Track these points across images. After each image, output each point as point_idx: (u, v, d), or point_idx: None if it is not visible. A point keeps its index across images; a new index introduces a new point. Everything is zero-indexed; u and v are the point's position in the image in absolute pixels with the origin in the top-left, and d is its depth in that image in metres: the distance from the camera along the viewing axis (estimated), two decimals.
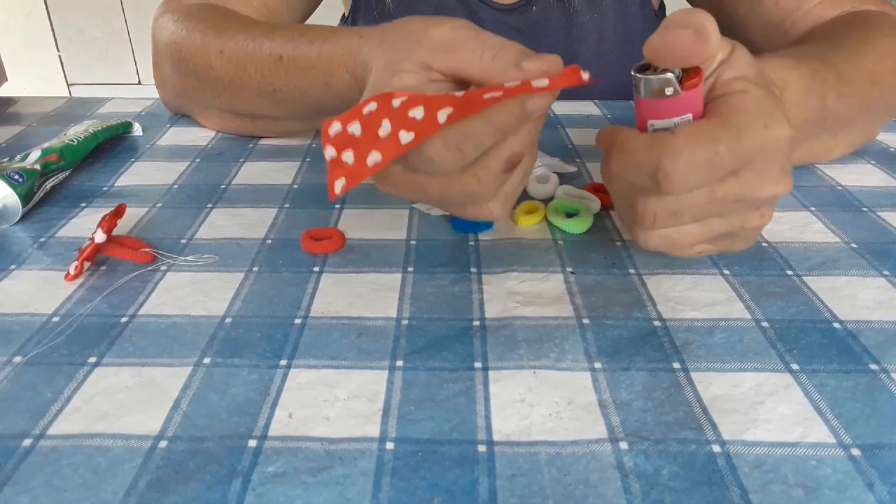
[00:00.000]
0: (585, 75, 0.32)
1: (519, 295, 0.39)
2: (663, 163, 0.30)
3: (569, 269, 0.41)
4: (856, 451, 0.28)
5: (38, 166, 0.49)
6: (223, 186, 0.52)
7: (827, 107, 0.43)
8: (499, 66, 0.34)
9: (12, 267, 0.41)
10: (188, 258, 0.42)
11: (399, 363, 0.33)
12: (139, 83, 2.60)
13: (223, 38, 0.53)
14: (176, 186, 0.52)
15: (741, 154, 0.31)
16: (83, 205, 0.49)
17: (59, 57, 2.57)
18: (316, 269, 0.41)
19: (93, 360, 0.34)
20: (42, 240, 0.45)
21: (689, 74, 0.32)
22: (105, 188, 0.52)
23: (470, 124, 0.31)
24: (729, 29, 0.67)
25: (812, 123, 0.44)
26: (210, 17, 0.56)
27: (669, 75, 0.31)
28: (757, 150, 0.31)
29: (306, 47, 0.46)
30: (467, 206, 0.36)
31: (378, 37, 0.40)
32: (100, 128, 0.58)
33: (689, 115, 0.32)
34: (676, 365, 0.33)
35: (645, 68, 0.32)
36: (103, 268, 0.41)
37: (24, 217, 0.47)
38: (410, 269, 0.41)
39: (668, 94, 0.32)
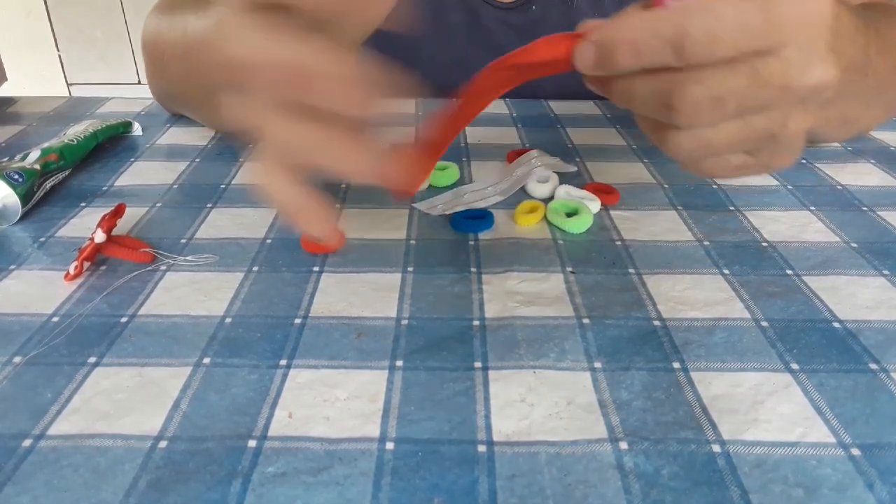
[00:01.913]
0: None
1: (519, 295, 0.39)
2: (688, 24, 0.26)
3: (569, 269, 0.41)
4: (856, 451, 0.28)
5: (37, 166, 0.49)
6: (223, 186, 0.52)
7: (870, 58, 0.39)
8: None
9: (12, 267, 0.41)
10: (188, 258, 0.42)
11: (399, 363, 0.33)
12: (139, 83, 2.60)
13: (165, 18, 0.54)
14: (176, 186, 0.52)
15: (777, 22, 0.27)
16: (83, 205, 0.49)
17: (59, 57, 2.57)
18: (316, 268, 0.41)
19: (93, 360, 0.34)
20: (42, 240, 0.45)
21: None
22: (105, 188, 0.52)
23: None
24: None
25: (857, 70, 0.39)
26: (174, 4, 0.57)
27: None
28: (795, 21, 0.27)
29: (202, 11, 0.44)
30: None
31: None
32: (99, 127, 0.58)
33: None
34: (676, 365, 0.33)
35: None
36: (103, 268, 0.41)
37: (23, 217, 0.47)
38: (410, 268, 0.41)
39: None
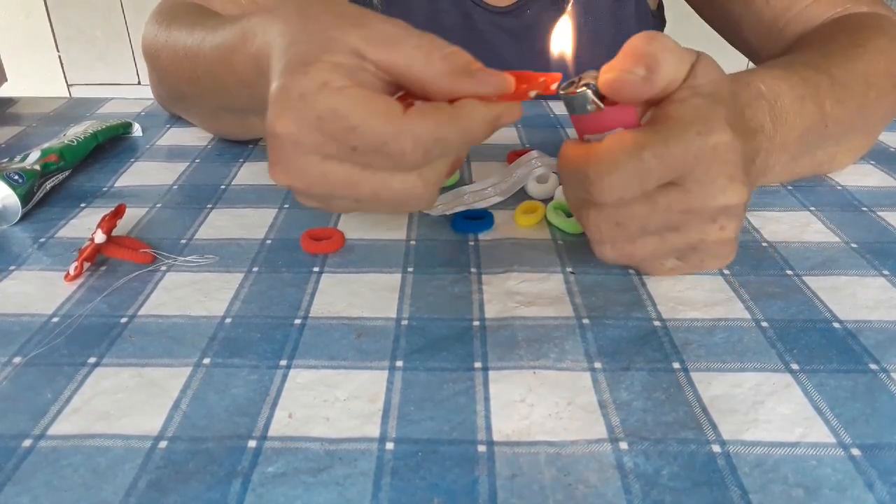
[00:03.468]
0: (555, 85, 0.33)
1: (519, 295, 0.39)
2: (588, 170, 0.30)
3: (569, 269, 0.41)
4: (856, 451, 0.28)
5: (37, 167, 0.49)
6: (223, 186, 0.52)
7: (825, 113, 0.43)
8: (448, 67, 0.30)
9: (12, 267, 0.41)
10: (188, 258, 0.42)
11: (399, 363, 0.33)
12: (139, 83, 2.60)
13: (170, 29, 0.53)
14: (176, 187, 0.52)
15: (671, 161, 0.30)
16: (83, 205, 0.49)
17: (59, 57, 2.57)
18: (316, 269, 0.41)
19: (93, 360, 0.34)
20: (42, 240, 0.45)
21: None
22: (105, 188, 0.52)
23: (444, 130, 0.29)
24: (724, 30, 0.67)
25: (813, 132, 0.43)
26: (174, 12, 0.56)
27: (586, 91, 0.31)
28: (692, 158, 0.30)
29: (223, 28, 0.42)
30: (395, 207, 0.32)
31: (289, 12, 0.35)
32: (99, 128, 0.58)
33: (622, 129, 0.32)
34: (676, 365, 0.33)
35: (570, 84, 0.33)
36: (103, 268, 0.41)
37: (23, 217, 0.47)
38: (410, 269, 0.41)
39: (590, 109, 0.32)
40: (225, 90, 0.43)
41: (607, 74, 0.31)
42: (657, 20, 0.79)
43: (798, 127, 0.40)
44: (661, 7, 0.80)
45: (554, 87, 0.32)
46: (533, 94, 0.33)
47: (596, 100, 0.32)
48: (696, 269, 0.37)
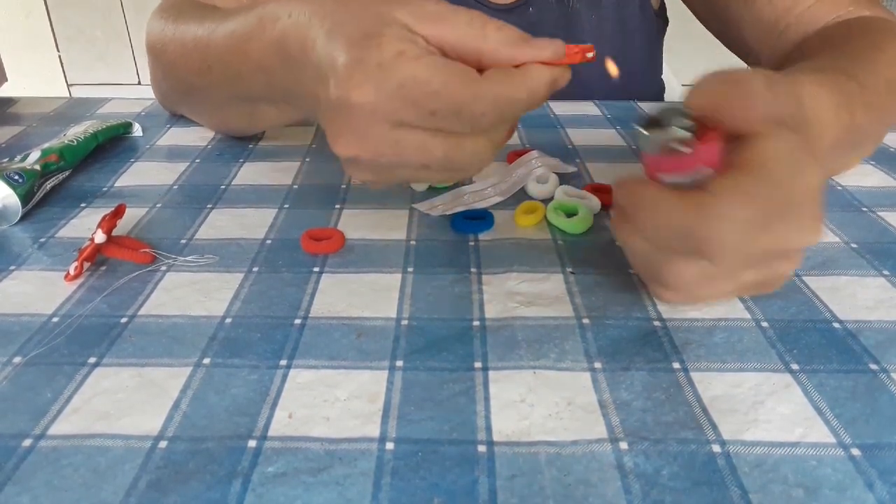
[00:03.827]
0: (591, 54, 0.33)
1: (519, 295, 0.39)
2: (707, 229, 0.28)
3: (569, 269, 0.41)
4: (856, 451, 0.28)
5: (38, 167, 0.49)
6: (223, 186, 0.52)
7: (855, 123, 0.41)
8: (505, 37, 0.32)
9: (12, 267, 0.41)
10: (188, 258, 0.42)
11: (399, 363, 0.33)
12: (139, 83, 2.60)
13: (178, 23, 0.53)
14: (176, 187, 0.52)
15: (776, 209, 0.29)
16: (83, 205, 0.49)
17: (59, 57, 2.57)
18: (316, 269, 0.41)
19: (93, 360, 0.34)
20: (42, 240, 0.45)
21: (704, 127, 0.29)
22: (105, 188, 0.52)
23: (517, 91, 0.31)
24: (721, 31, 0.67)
25: (843, 144, 0.41)
26: (179, 7, 0.57)
27: (680, 133, 0.28)
28: (791, 203, 0.29)
29: (235, 16, 0.43)
30: (462, 171, 0.34)
31: (311, 1, 0.35)
32: (100, 128, 0.58)
33: (704, 167, 0.29)
34: (676, 365, 0.33)
35: (650, 123, 0.29)
36: (103, 268, 0.41)
37: (24, 217, 0.47)
38: (410, 269, 0.41)
39: (680, 150, 0.28)
40: (239, 78, 0.44)
41: (704, 99, 0.29)
42: (660, 20, 0.79)
43: (830, 136, 0.39)
44: (663, 7, 0.80)
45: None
46: (584, 57, 0.33)
47: (690, 140, 0.28)
48: (750, 295, 0.37)
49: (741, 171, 0.28)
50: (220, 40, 0.44)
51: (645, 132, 0.29)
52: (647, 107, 0.31)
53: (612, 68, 0.36)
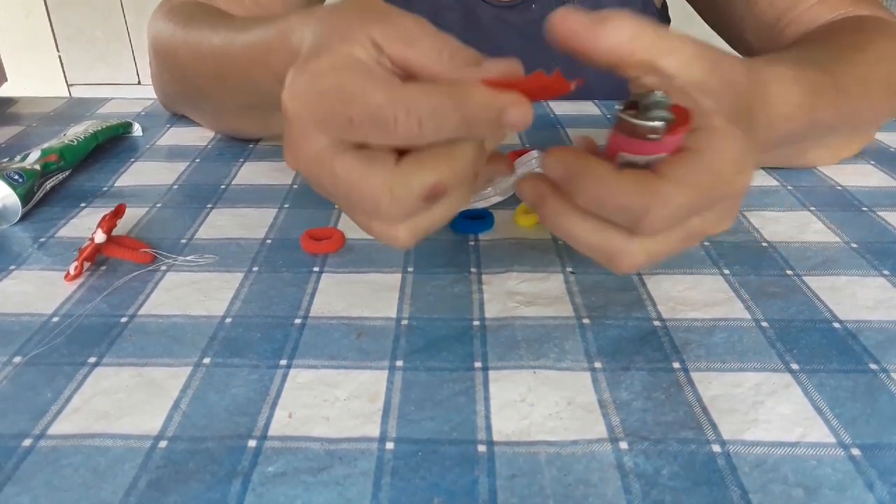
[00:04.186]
0: (571, 85, 0.31)
1: (519, 295, 0.39)
2: (651, 208, 0.29)
3: (569, 269, 0.41)
4: (856, 451, 0.28)
5: (37, 166, 0.49)
6: (223, 186, 0.52)
7: (814, 118, 0.42)
8: (455, 63, 0.31)
9: (12, 267, 0.41)
10: (188, 258, 0.42)
11: (399, 363, 0.33)
12: (139, 83, 2.60)
13: (189, 28, 0.53)
14: (176, 186, 0.52)
15: (714, 199, 0.31)
16: (83, 205, 0.49)
17: (59, 57, 2.57)
18: (316, 269, 0.41)
19: (93, 360, 0.34)
20: (42, 240, 0.45)
21: (678, 117, 0.30)
22: (105, 188, 0.52)
23: (440, 101, 0.29)
24: (724, 31, 0.67)
25: (793, 133, 0.43)
26: (187, 11, 0.56)
27: (658, 125, 0.29)
28: (727, 196, 0.31)
29: (255, 28, 0.43)
30: (371, 220, 0.32)
31: (324, 12, 0.35)
32: (100, 128, 0.58)
33: (664, 154, 0.31)
34: (676, 365, 0.33)
35: (631, 105, 0.30)
36: (103, 268, 0.41)
37: (24, 217, 0.47)
38: (410, 269, 0.41)
39: (652, 138, 0.30)
40: (256, 88, 0.44)
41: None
42: (662, 18, 0.79)
43: (783, 129, 0.40)
44: (665, 5, 0.80)
45: (617, 107, 0.30)
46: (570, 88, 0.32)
47: (664, 131, 0.29)
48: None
49: (691, 161, 0.30)
50: (239, 50, 0.44)
51: (625, 116, 0.30)
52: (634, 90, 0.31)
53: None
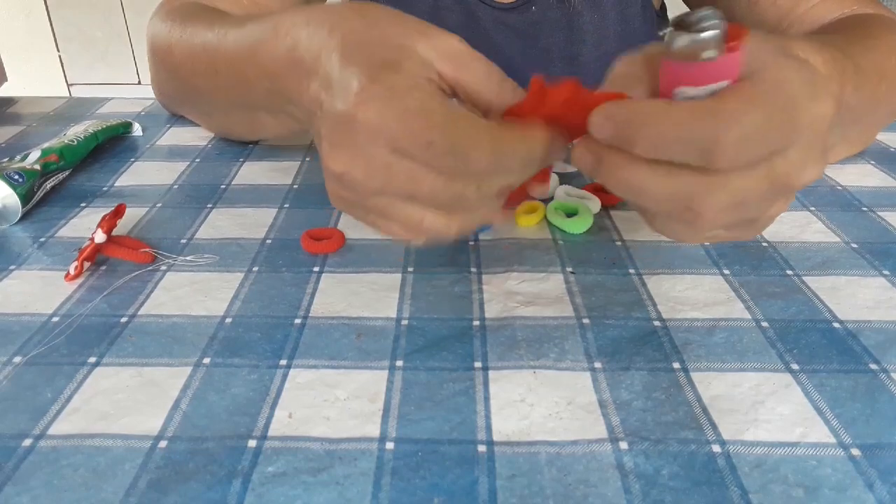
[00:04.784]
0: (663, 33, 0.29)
1: (519, 295, 0.39)
2: (719, 133, 0.26)
3: (569, 269, 0.41)
4: (856, 451, 0.28)
5: (37, 166, 0.49)
6: (223, 186, 0.52)
7: (844, 99, 0.41)
8: (504, 91, 0.33)
9: (12, 267, 0.41)
10: (188, 258, 0.42)
11: (399, 363, 0.33)
12: (139, 83, 2.60)
13: (185, 26, 0.53)
14: (176, 186, 0.52)
15: (792, 128, 0.28)
16: (83, 205, 0.49)
17: (59, 57, 2.57)
18: (316, 269, 0.41)
19: (93, 360, 0.34)
20: (42, 240, 0.45)
21: (731, 34, 0.28)
22: (105, 188, 0.52)
23: (514, 143, 0.31)
24: None
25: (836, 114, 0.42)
26: (185, 11, 0.56)
27: (715, 32, 0.27)
28: (805, 126, 0.28)
29: (248, 22, 0.43)
30: (429, 218, 0.32)
31: (345, 11, 0.35)
32: (99, 128, 0.58)
33: (725, 82, 0.28)
34: (676, 365, 0.33)
35: (681, 25, 0.28)
36: (103, 268, 0.41)
37: (23, 217, 0.47)
38: (410, 269, 0.41)
39: (708, 56, 0.27)
40: (244, 83, 0.44)
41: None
42: (661, 19, 0.79)
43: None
44: (664, 7, 0.80)
45: (665, 33, 0.28)
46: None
47: (722, 44, 0.27)
48: (733, 238, 0.33)
49: (756, 83, 0.28)
50: (231, 44, 0.45)
51: (675, 34, 0.27)
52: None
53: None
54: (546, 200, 0.49)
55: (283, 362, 0.33)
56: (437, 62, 0.32)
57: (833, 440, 0.29)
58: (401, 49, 0.32)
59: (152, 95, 0.68)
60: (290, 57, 0.37)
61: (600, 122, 0.29)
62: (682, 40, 0.27)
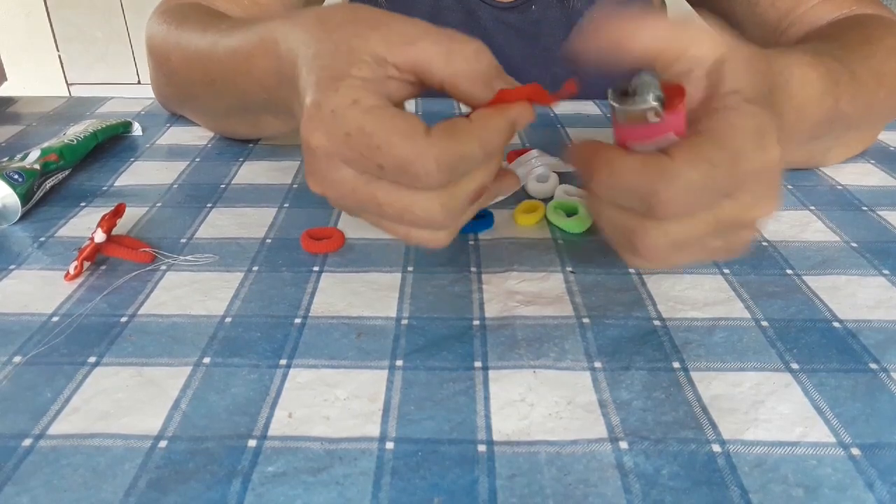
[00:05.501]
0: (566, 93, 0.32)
1: (519, 294, 0.39)
2: (659, 187, 0.29)
3: (569, 269, 0.41)
4: (856, 451, 0.28)
5: (37, 166, 0.49)
6: (223, 186, 0.52)
7: (839, 108, 0.42)
8: (469, 69, 0.31)
9: (12, 267, 0.41)
10: (188, 258, 0.42)
11: (399, 363, 0.33)
12: (139, 83, 2.60)
13: (180, 30, 0.53)
14: (176, 186, 0.52)
15: (737, 177, 0.30)
16: (83, 204, 0.49)
17: (59, 57, 2.57)
18: (316, 268, 0.41)
19: (92, 359, 0.34)
20: (42, 239, 0.45)
21: (671, 95, 0.30)
22: (105, 188, 0.52)
23: (462, 147, 0.30)
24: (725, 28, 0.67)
25: (822, 125, 0.43)
26: (182, 12, 0.56)
27: (654, 104, 0.29)
28: (752, 173, 0.30)
29: (237, 32, 0.43)
30: (415, 231, 0.32)
31: (310, 20, 0.35)
32: (99, 127, 0.58)
33: (672, 134, 0.30)
34: (676, 364, 0.33)
35: (622, 94, 0.30)
36: (103, 268, 0.41)
37: (23, 217, 0.47)
38: (410, 268, 0.41)
39: (652, 120, 0.30)
40: (241, 92, 0.44)
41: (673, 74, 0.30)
42: None
43: (811, 119, 0.40)
44: (663, 5, 0.80)
45: (610, 96, 0.31)
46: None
47: (661, 110, 0.29)
48: (712, 259, 0.36)
49: (702, 138, 0.30)
50: (223, 55, 0.44)
51: (617, 105, 0.30)
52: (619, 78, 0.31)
53: None
54: (546, 200, 0.49)
55: (283, 362, 0.33)
56: (389, 52, 0.31)
57: (833, 440, 0.29)
58: (350, 53, 0.32)
59: (152, 95, 0.68)
60: (277, 72, 0.37)
61: (571, 155, 0.33)
62: (622, 113, 0.30)
